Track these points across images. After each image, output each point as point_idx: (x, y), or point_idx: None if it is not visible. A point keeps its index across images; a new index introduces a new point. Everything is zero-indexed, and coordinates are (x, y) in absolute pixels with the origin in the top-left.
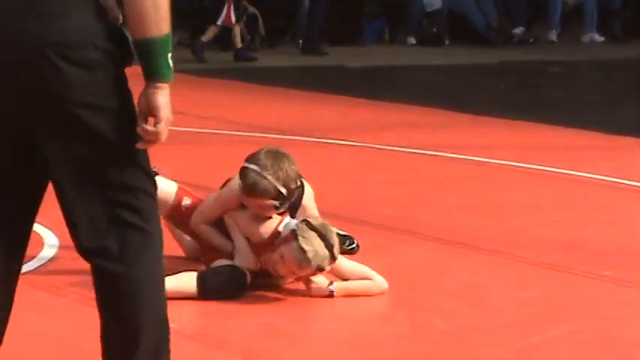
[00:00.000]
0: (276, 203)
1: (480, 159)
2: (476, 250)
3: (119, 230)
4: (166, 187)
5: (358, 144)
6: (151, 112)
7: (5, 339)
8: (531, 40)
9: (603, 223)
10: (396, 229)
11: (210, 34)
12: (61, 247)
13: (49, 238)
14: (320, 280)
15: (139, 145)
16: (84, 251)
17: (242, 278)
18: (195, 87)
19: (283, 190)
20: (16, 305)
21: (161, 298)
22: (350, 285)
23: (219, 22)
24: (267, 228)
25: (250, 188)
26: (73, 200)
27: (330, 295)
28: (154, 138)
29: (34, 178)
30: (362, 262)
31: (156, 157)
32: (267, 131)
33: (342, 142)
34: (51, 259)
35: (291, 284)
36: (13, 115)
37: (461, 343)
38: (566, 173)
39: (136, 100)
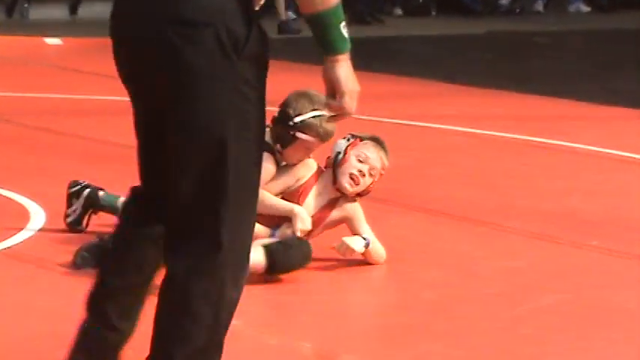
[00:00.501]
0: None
1: (468, 130)
2: (465, 220)
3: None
4: None
5: (370, 118)
6: (332, 86)
7: None
8: (517, 10)
9: (592, 194)
10: (386, 200)
11: (282, 4)
12: (48, 220)
13: (34, 210)
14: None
15: (330, 120)
16: None
17: (307, 249)
18: None
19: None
20: (3, 279)
21: None
22: (375, 244)
23: None
24: (308, 167)
25: (328, 134)
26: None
27: (366, 246)
28: (340, 111)
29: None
30: (347, 233)
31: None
32: None
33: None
34: (37, 232)
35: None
36: (144, 86)
37: (450, 313)
38: (554, 144)
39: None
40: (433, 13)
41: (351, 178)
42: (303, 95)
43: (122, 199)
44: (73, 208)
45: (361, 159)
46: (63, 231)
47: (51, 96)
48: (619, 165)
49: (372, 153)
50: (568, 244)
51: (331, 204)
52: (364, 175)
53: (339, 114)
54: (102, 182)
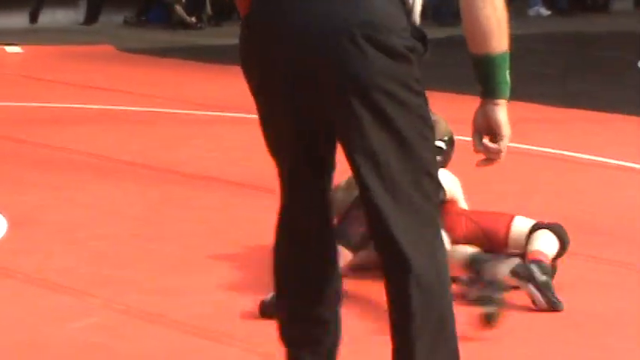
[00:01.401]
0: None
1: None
2: None
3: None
4: None
5: None
6: (491, 129)
7: None
8: None
9: (549, 195)
10: None
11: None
12: (9, 229)
13: None
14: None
15: (480, 164)
16: None
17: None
18: (138, 65)
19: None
20: None
21: None
22: None
23: None
24: None
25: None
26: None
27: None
28: (495, 156)
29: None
30: None
31: (105, 136)
32: (215, 109)
33: None
34: None
35: None
36: (311, 101)
37: None
38: (513, 147)
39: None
40: None
41: None
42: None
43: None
44: None
45: None
46: (25, 239)
47: (11, 104)
48: (579, 167)
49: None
50: None
51: None
52: None
53: (491, 158)
54: (64, 190)
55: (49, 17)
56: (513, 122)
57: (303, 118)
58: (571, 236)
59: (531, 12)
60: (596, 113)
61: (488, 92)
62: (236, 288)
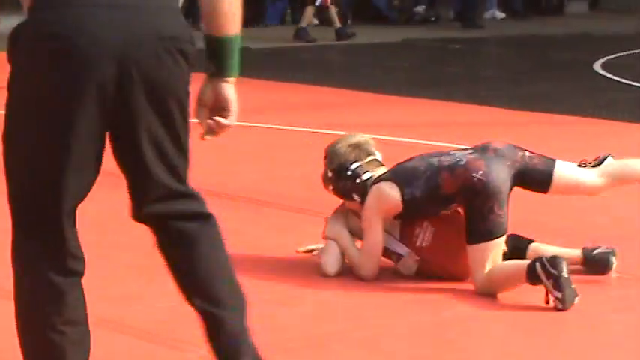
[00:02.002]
0: (330, 188)
1: (384, 137)
2: None
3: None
4: None
5: (263, 125)
6: (221, 105)
7: None
8: (433, 18)
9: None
10: (302, 209)
11: (308, 16)
12: None
13: None
14: None
15: (206, 136)
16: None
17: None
18: None
19: (329, 174)
20: None
21: None
22: None
23: (317, 4)
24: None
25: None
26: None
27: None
28: (223, 130)
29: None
30: (267, 243)
31: None
32: None
33: (246, 124)
34: None
35: None
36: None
37: (367, 320)
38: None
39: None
40: (349, 21)
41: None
42: (355, 147)
43: None
44: None
45: None
46: None
47: None
48: None
49: None
50: None
51: None
52: None
53: (220, 132)
54: None
55: (4, 23)
56: (470, 125)
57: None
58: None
59: (487, 15)
60: (552, 116)
61: (223, 71)
62: None
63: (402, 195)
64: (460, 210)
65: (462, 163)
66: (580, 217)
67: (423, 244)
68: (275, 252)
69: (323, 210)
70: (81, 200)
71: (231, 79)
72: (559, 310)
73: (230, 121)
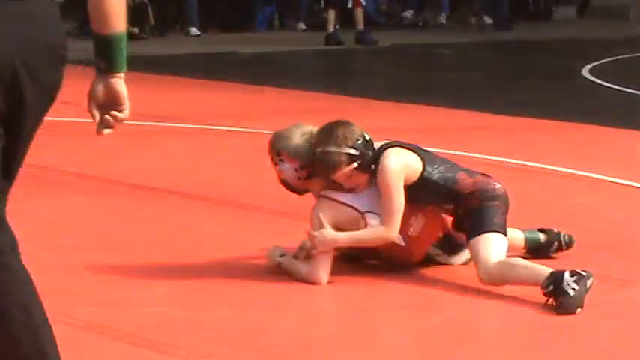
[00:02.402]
0: (355, 165)
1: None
2: None
3: None
4: None
5: (251, 130)
6: (114, 100)
7: None
8: (421, 23)
9: None
10: (290, 214)
11: (333, 20)
12: None
13: None
14: None
15: (105, 131)
16: None
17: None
18: (81, 77)
19: (352, 151)
20: None
21: None
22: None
23: (349, 5)
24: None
25: (326, 169)
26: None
27: None
28: (119, 124)
29: None
30: (256, 248)
31: (49, 148)
32: (159, 120)
33: (234, 128)
34: None
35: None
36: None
37: (355, 325)
38: (455, 154)
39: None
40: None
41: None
42: (345, 126)
43: None
44: None
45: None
46: None
47: None
48: (522, 174)
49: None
50: None
51: None
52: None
53: (116, 124)
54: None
55: None
56: (458, 130)
57: None
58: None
59: (474, 20)
60: (540, 121)
61: (113, 66)
62: (180, 298)
63: (423, 169)
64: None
65: (479, 173)
66: (571, 221)
67: (413, 234)
68: (264, 257)
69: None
70: None
71: (121, 74)
72: (559, 312)
73: (125, 114)
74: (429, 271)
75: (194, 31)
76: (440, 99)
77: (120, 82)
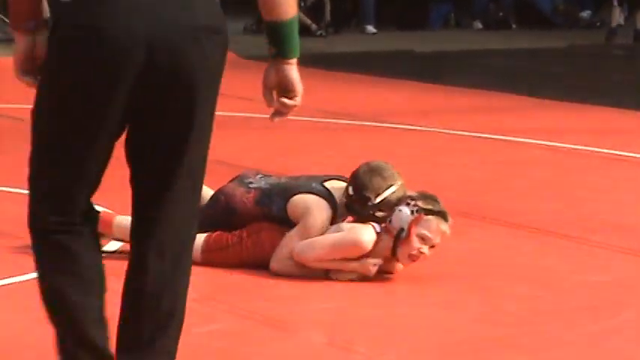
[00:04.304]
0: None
1: (548, 143)
2: (546, 233)
3: None
4: None
5: (426, 129)
6: (286, 87)
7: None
8: (598, 23)
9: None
10: (466, 213)
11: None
12: None
13: None
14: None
15: (275, 118)
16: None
17: None
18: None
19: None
20: None
21: None
22: None
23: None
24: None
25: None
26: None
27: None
28: (290, 111)
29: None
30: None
31: (227, 143)
32: (335, 117)
33: (409, 127)
34: (119, 249)
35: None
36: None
37: (534, 326)
38: (636, 157)
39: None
40: (514, 26)
41: (411, 258)
42: (374, 173)
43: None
44: None
45: (424, 238)
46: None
47: None
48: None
49: (434, 232)
50: None
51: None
52: (423, 253)
53: (286, 112)
54: None
55: None
56: (635, 132)
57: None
58: None
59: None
60: None
61: (285, 53)
62: (357, 296)
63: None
64: None
65: None
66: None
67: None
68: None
69: (489, 213)
70: (93, 191)
71: (293, 61)
72: None
73: (295, 101)
74: (605, 274)
75: (370, 28)
76: (617, 100)
77: (291, 69)
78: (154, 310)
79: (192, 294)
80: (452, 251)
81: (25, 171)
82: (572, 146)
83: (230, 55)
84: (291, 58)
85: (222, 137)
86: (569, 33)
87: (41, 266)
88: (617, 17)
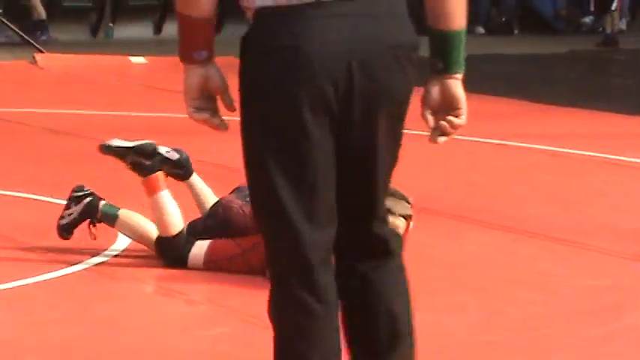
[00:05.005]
0: None
1: (548, 148)
2: (545, 238)
3: None
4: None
5: (426, 133)
6: (451, 104)
7: (78, 328)
8: (600, 28)
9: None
10: (464, 217)
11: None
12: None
13: None
14: None
15: (440, 139)
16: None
17: None
18: None
19: None
20: (96, 295)
21: None
22: None
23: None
24: None
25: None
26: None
27: None
28: (455, 131)
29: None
30: (431, 252)
31: (232, 147)
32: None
33: (409, 131)
34: (124, 251)
35: None
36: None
37: (532, 330)
38: (634, 162)
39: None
40: (516, 31)
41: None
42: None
43: (122, 211)
44: (69, 211)
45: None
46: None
47: (136, 114)
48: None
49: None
50: None
51: None
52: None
53: (454, 133)
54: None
55: (174, 28)
56: (636, 136)
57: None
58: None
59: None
60: None
61: (451, 67)
62: None
63: None
64: None
65: None
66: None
67: None
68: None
69: (488, 218)
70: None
71: (459, 76)
72: None
73: (462, 120)
74: (604, 278)
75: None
76: (619, 105)
77: (457, 84)
78: None
79: (195, 298)
80: (451, 255)
81: (20, 173)
82: (572, 151)
83: (235, 60)
84: (458, 72)
85: (228, 141)
86: (570, 38)
87: None
88: (613, 23)
